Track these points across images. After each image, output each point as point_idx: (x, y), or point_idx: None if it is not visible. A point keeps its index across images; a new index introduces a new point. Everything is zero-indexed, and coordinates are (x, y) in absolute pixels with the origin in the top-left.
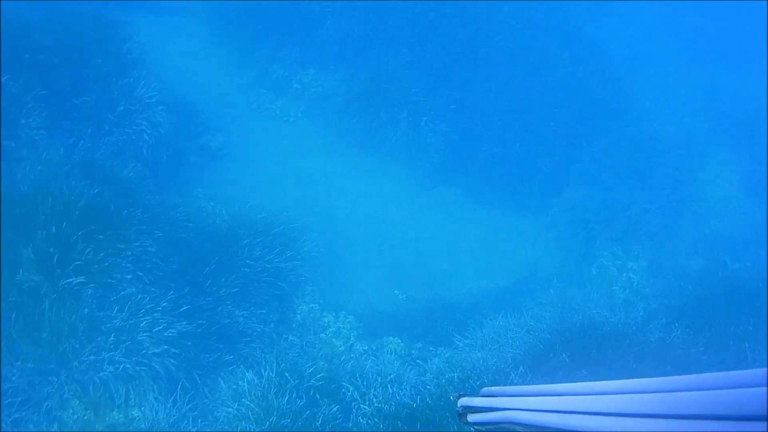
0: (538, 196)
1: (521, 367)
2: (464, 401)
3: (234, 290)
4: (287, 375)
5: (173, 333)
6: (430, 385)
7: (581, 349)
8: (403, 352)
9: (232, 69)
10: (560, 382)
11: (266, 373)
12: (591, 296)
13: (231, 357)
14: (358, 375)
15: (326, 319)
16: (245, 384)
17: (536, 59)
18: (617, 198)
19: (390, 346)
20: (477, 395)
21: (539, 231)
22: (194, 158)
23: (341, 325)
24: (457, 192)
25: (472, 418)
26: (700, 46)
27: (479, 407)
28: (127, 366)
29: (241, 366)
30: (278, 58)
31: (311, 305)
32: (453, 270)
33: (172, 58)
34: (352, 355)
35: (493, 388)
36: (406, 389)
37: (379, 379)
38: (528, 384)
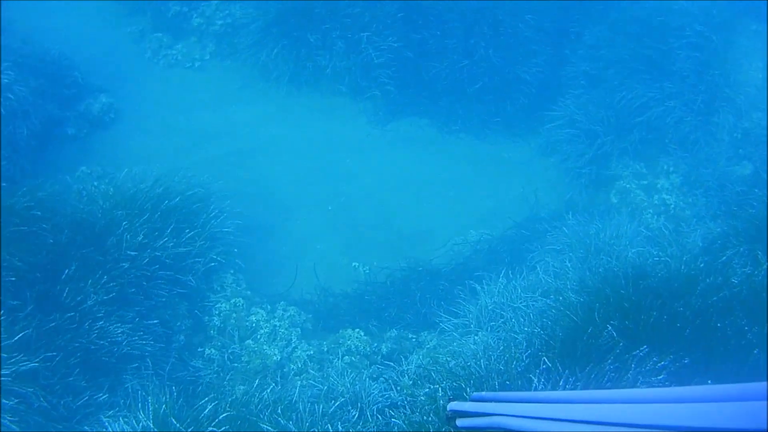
0: (526, 113)
1: (544, 358)
2: (454, 405)
3: (108, 297)
4: (174, 421)
5: (6, 376)
6: (405, 407)
7: (633, 313)
8: (367, 349)
9: (114, 12)
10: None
11: (142, 422)
12: (622, 232)
13: (107, 396)
14: (281, 407)
15: (255, 318)
16: None
17: None
18: (629, 99)
19: (349, 342)
20: (467, 399)
21: (534, 157)
22: (73, 130)
23: (278, 323)
24: (422, 123)
25: (461, 422)
26: None
27: (469, 412)
28: None
29: (117, 409)
30: None
31: (234, 300)
32: (428, 224)
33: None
34: (292, 367)
35: (483, 392)
36: (367, 423)
37: (321, 409)
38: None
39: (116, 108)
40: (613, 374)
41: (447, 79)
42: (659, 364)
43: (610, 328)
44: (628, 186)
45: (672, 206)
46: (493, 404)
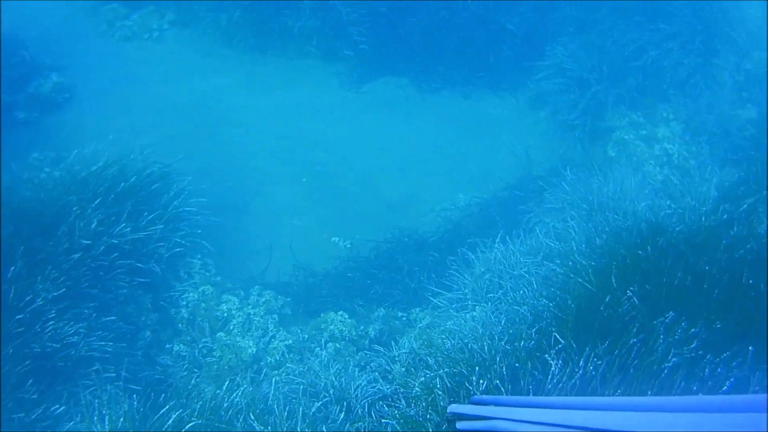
0: (512, 65)
1: (555, 334)
2: (454, 408)
3: (58, 293)
4: None
5: None
6: (398, 400)
7: (654, 275)
8: (353, 333)
9: None
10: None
11: None
12: (627, 185)
13: (64, 407)
14: (253, 411)
15: (227, 306)
16: None
17: None
18: (622, 43)
19: (332, 327)
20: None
21: (523, 112)
22: (23, 113)
23: (252, 311)
24: (400, 82)
25: (461, 425)
26: None
27: (469, 414)
28: None
29: (76, 421)
30: None
31: (203, 288)
32: (413, 190)
33: None
34: (269, 360)
35: (484, 396)
36: (355, 421)
37: (301, 411)
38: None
39: (69, 87)
40: (639, 347)
41: (424, 33)
42: (690, 332)
43: (630, 294)
44: (626, 137)
45: (675, 156)
46: (492, 408)
